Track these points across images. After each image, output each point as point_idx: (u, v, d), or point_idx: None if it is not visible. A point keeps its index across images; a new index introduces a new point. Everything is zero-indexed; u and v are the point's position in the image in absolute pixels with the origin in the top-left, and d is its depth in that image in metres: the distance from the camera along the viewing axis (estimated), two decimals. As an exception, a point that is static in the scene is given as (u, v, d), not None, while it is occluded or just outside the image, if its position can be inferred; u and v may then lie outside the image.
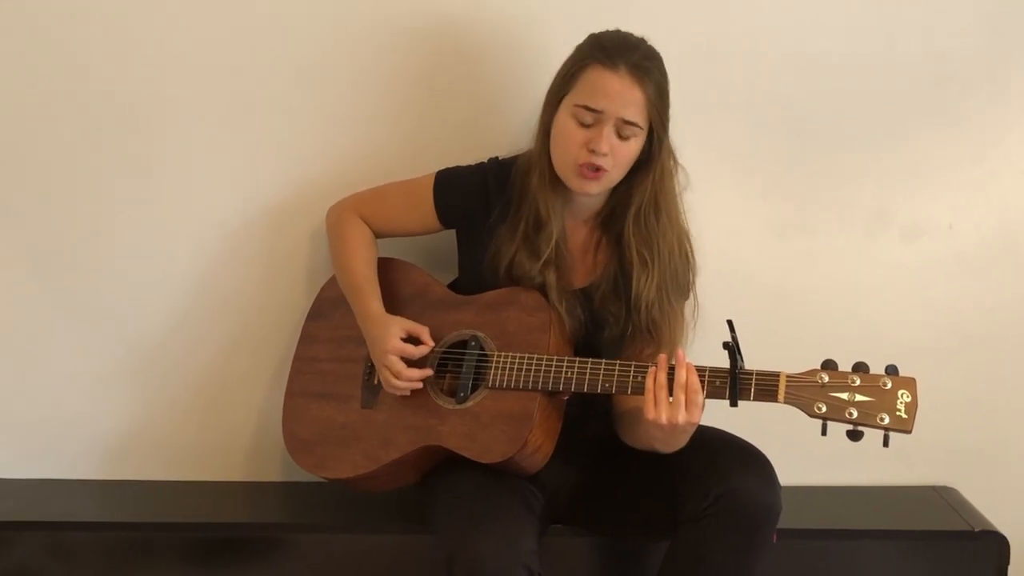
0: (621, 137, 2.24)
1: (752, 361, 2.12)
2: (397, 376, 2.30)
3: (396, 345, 2.31)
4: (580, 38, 2.32)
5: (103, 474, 2.75)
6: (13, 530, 2.47)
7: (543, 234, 2.33)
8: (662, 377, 2.10)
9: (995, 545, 2.51)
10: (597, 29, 2.32)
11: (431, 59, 2.63)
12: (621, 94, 2.21)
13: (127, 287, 2.69)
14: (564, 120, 2.26)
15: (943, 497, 2.74)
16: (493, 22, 2.61)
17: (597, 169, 2.25)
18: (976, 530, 2.54)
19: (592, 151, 2.23)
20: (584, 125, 2.23)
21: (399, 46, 2.62)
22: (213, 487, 2.75)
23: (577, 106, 2.23)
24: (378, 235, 2.52)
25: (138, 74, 2.59)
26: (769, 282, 2.73)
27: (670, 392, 2.09)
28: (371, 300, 2.41)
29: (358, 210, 2.52)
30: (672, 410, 2.07)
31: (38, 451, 2.73)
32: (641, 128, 2.24)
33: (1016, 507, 2.73)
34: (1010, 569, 2.51)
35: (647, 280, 2.33)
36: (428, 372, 2.32)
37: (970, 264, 2.76)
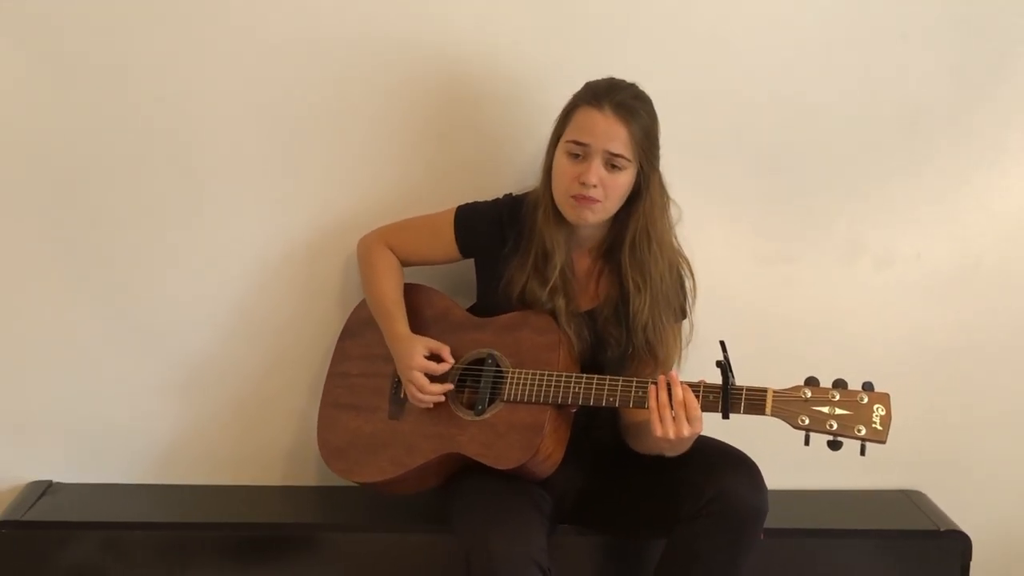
0: (611, 170, 2.26)
1: (739, 376, 2.15)
2: (421, 391, 2.33)
3: (420, 362, 2.34)
4: (576, 84, 2.33)
5: (153, 479, 2.75)
6: (73, 529, 2.49)
7: (549, 264, 2.35)
8: (663, 397, 2.13)
9: (959, 543, 2.54)
10: (592, 77, 2.33)
11: (445, 107, 2.65)
12: (606, 130, 2.23)
13: (177, 309, 2.70)
14: (559, 157, 2.29)
15: (912, 500, 2.76)
16: (500, 72, 2.63)
17: (591, 200, 2.27)
18: (942, 530, 2.57)
19: (582, 183, 2.25)
20: (575, 161, 2.26)
21: (418, 96, 2.64)
22: (254, 491, 2.76)
23: (568, 142, 2.27)
24: (404, 264, 2.53)
25: (189, 118, 2.61)
26: (755, 306, 2.74)
27: (671, 408, 2.13)
28: (398, 322, 2.43)
29: (386, 241, 2.54)
30: (677, 425, 2.11)
31: (95, 457, 2.74)
32: (629, 160, 2.26)
33: (978, 509, 2.75)
34: (972, 565, 2.54)
35: (641, 304, 2.35)
36: (448, 387, 2.34)
37: (936, 290, 2.78)
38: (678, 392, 2.13)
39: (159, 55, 2.59)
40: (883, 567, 2.57)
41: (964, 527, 2.58)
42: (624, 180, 2.28)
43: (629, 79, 2.33)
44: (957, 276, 2.79)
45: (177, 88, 2.60)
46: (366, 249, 2.56)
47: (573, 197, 2.28)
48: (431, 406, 2.36)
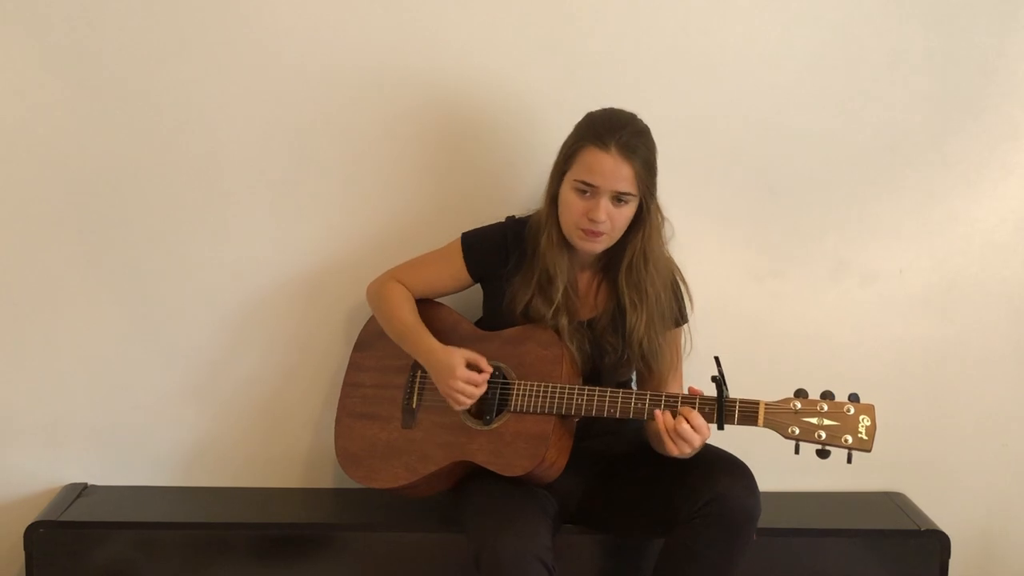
0: (617, 204, 2.28)
1: (732, 384, 2.19)
2: (470, 396, 2.33)
3: (464, 374, 2.33)
4: (576, 114, 2.33)
5: (181, 481, 2.78)
6: (107, 529, 2.52)
7: (553, 286, 2.36)
8: (670, 421, 2.18)
9: (938, 542, 2.57)
10: (592, 107, 2.33)
11: (453, 136, 2.68)
12: (613, 171, 2.24)
13: (202, 322, 2.72)
14: (567, 193, 2.30)
15: (894, 501, 2.78)
16: (504, 103, 2.66)
17: (599, 233, 2.30)
18: (922, 529, 2.60)
19: (591, 219, 2.27)
20: (583, 197, 2.27)
21: (429, 125, 2.67)
22: (274, 492, 2.78)
23: (576, 181, 2.27)
24: (416, 297, 2.53)
25: (214, 141, 2.65)
26: (748, 319, 2.77)
27: (677, 428, 2.17)
28: (427, 338, 2.43)
29: (395, 279, 2.53)
30: (691, 444, 2.17)
31: (128, 461, 2.76)
32: (633, 195, 2.28)
33: (956, 510, 2.79)
34: (950, 562, 2.57)
35: (637, 320, 2.37)
36: (484, 388, 2.35)
37: (917, 304, 2.81)
38: (685, 427, 2.16)
39: (186, 81, 2.63)
40: (867, 564, 2.60)
41: (943, 527, 2.61)
42: (628, 212, 2.31)
43: (629, 108, 2.34)
44: (936, 291, 2.81)
45: (202, 112, 2.65)
46: (377, 289, 2.56)
47: (582, 230, 2.30)
48: (467, 406, 2.37)
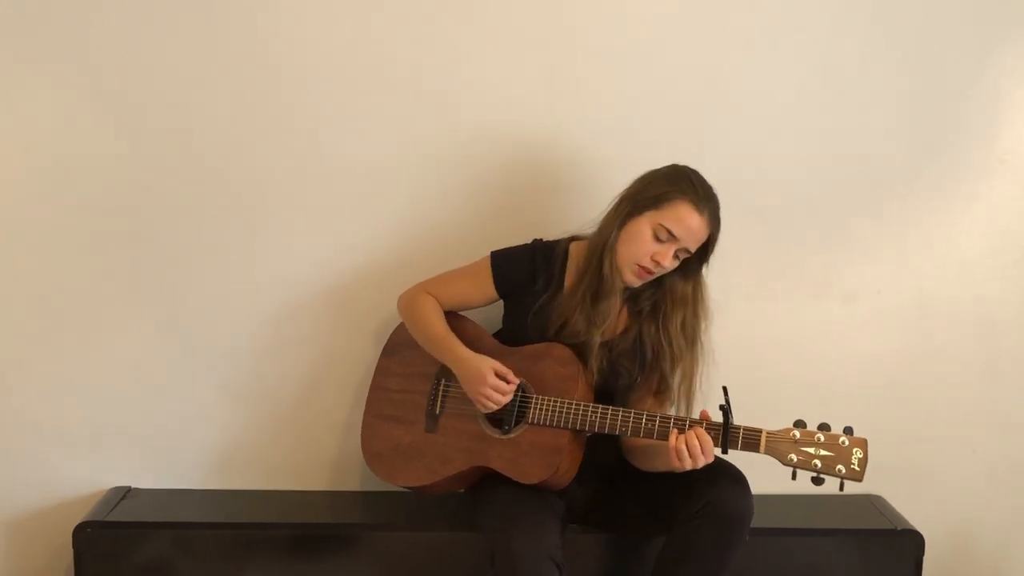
0: (676, 257, 2.35)
1: (722, 393, 2.23)
2: (496, 403, 2.37)
3: (494, 381, 2.37)
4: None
5: (217, 484, 2.83)
6: (149, 529, 2.58)
7: (602, 306, 2.40)
8: (680, 442, 2.22)
9: (913, 541, 2.63)
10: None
11: (470, 162, 2.73)
12: (697, 232, 2.32)
13: (237, 335, 2.76)
14: (643, 228, 2.33)
15: (873, 503, 2.82)
16: (519, 133, 2.72)
17: (652, 274, 2.37)
18: (899, 529, 2.65)
19: (656, 262, 2.33)
20: (657, 241, 2.32)
21: (446, 155, 2.73)
22: (303, 495, 2.82)
23: (660, 225, 2.31)
24: (443, 310, 2.56)
25: (248, 166, 2.69)
26: (737, 336, 2.74)
27: (688, 443, 2.22)
28: (458, 346, 2.46)
29: (425, 291, 2.57)
30: (695, 461, 2.22)
31: (168, 466, 2.81)
32: (692, 254, 2.36)
33: (930, 511, 2.83)
34: (925, 559, 2.63)
35: (673, 364, 2.43)
36: (510, 397, 2.39)
37: (894, 321, 2.86)
38: (695, 443, 2.22)
39: (223, 112, 2.68)
40: (847, 562, 2.64)
41: (918, 527, 2.66)
42: (677, 264, 2.39)
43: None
44: (912, 310, 2.86)
45: (241, 137, 2.69)
46: (409, 300, 2.59)
47: (640, 266, 2.35)
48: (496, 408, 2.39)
